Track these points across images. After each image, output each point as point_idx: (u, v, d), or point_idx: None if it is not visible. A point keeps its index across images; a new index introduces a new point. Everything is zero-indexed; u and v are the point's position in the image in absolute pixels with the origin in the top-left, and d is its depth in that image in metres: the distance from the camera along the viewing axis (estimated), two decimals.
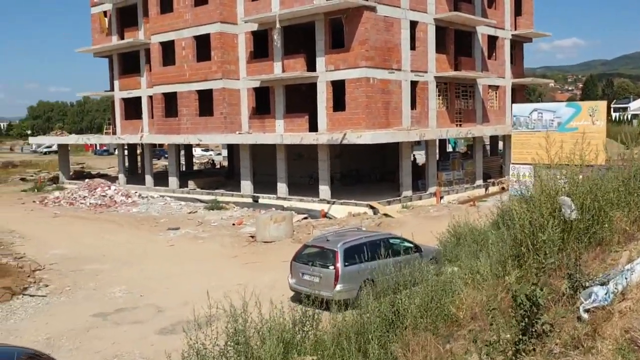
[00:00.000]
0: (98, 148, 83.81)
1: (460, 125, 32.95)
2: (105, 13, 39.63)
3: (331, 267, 13.05)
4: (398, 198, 28.43)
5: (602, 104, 19.79)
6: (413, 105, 30.19)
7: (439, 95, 31.99)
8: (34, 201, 35.35)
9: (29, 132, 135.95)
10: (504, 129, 34.51)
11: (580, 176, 9.16)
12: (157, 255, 20.17)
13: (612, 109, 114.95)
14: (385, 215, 25.98)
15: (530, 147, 18.55)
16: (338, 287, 12.88)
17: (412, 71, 29.65)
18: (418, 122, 30.23)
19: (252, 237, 22.27)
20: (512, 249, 7.91)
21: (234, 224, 25.72)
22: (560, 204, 7.34)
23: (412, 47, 29.82)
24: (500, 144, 39.64)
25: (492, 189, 33.52)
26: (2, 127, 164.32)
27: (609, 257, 6.68)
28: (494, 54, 35.90)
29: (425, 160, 31.71)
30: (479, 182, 33.91)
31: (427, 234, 18.34)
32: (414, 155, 35.68)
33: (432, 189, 30.52)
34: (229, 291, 13.43)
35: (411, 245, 15.02)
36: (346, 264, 13.09)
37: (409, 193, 29.02)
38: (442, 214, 25.76)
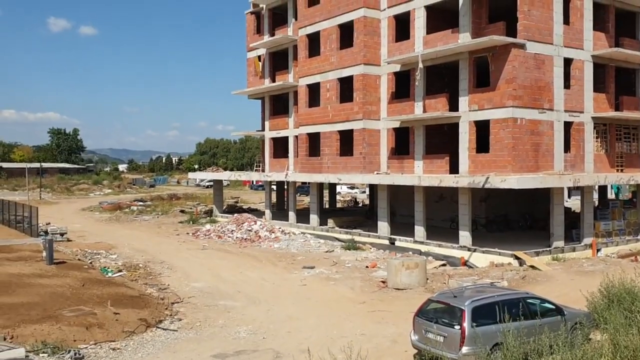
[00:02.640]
0: (254, 183, 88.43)
1: (621, 170, 29.50)
2: (259, 57, 41.98)
3: (457, 327, 11.84)
4: (548, 249, 25.98)
5: None
6: (567, 148, 27.69)
7: (596, 138, 29.02)
8: (187, 233, 37.70)
9: (196, 166, 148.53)
10: None
11: None
12: (288, 295, 20.12)
13: None
14: (532, 267, 23.81)
15: None
16: (464, 349, 11.62)
17: (565, 111, 27.28)
18: (572, 166, 27.62)
19: (384, 282, 21.45)
20: None
21: (367, 267, 25.11)
22: None
23: (566, 86, 27.50)
24: None
25: None
26: (174, 162, 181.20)
27: None
28: None
29: (581, 208, 28.73)
30: None
31: (577, 293, 16.31)
32: (566, 201, 32.65)
33: (587, 240, 27.52)
34: (350, 342, 12.82)
35: (552, 306, 13.30)
36: (474, 324, 11.80)
37: (560, 243, 26.42)
38: (597, 269, 23.08)
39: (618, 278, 14.90)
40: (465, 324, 11.73)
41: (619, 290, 14.66)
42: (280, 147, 41.38)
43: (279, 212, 43.93)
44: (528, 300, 13.05)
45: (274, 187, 47.24)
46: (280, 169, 39.87)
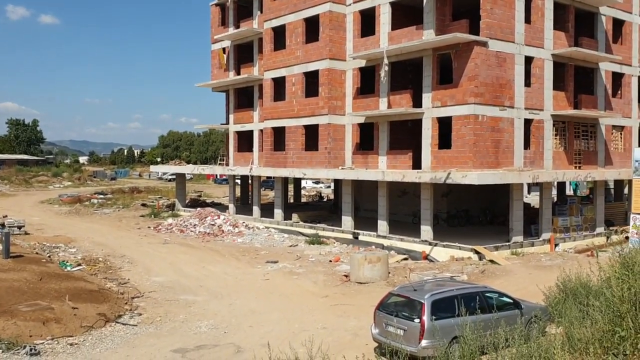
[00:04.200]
0: (218, 177, 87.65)
1: (579, 167, 30.33)
2: (224, 50, 41.58)
3: (417, 320, 12.05)
4: (507, 243, 26.57)
5: None
6: (526, 145, 28.28)
7: (556, 135, 29.73)
8: (149, 227, 37.25)
9: (158, 159, 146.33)
10: (629, 172, 31.28)
11: None
12: (250, 289, 20.10)
13: None
14: (491, 261, 24.35)
15: None
16: (423, 342, 11.83)
17: (526, 109, 27.86)
18: (532, 162, 28.24)
19: (346, 276, 21.63)
20: (610, 323, 6.69)
21: (331, 261, 25.27)
22: None
23: (527, 84, 28.08)
24: (626, 188, 36.03)
25: (614, 238, 30.36)
26: (136, 154, 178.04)
27: None
28: (619, 92, 32.90)
29: (540, 204, 29.45)
30: (600, 229, 30.91)
31: (535, 287, 16.73)
32: (526, 197, 33.40)
33: (546, 235, 28.25)
34: (311, 335, 12.88)
35: (510, 300, 13.63)
36: (434, 317, 12.03)
37: (519, 238, 27.06)
38: (555, 263, 23.74)
39: (574, 273, 15.32)
40: (425, 318, 11.93)
41: (575, 285, 15.08)
42: (245, 141, 41.16)
43: (243, 206, 43.72)
44: (486, 294, 13.36)
45: (238, 181, 46.99)
46: (244, 163, 39.65)
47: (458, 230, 31.06)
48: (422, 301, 12.19)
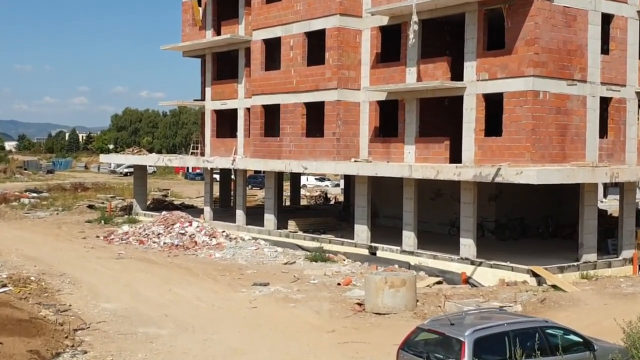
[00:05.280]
0: (190, 171, 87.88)
1: None
2: (199, 1, 41.55)
3: None
4: (575, 264, 26.62)
5: None
6: (603, 132, 28.31)
7: None
8: (97, 236, 37.40)
9: (111, 146, 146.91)
10: None
11: None
12: (232, 320, 20.13)
13: None
14: (554, 287, 24.40)
15: None
16: None
17: (602, 84, 27.87)
18: (610, 155, 28.27)
19: (360, 304, 21.69)
20: None
21: (339, 284, 25.35)
22: None
23: (604, 51, 28.08)
24: None
25: None
26: (81, 139, 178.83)
27: None
28: None
29: (619, 211, 29.42)
30: None
31: (612, 321, 16.75)
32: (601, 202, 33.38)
33: (627, 253, 28.24)
34: None
35: (579, 339, 13.64)
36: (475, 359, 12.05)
37: (592, 257, 27.04)
38: (638, 290, 23.74)
39: None
40: None
41: None
42: (226, 122, 41.27)
43: (223, 210, 43.83)
44: (547, 331, 13.38)
45: (217, 176, 47.11)
46: (225, 153, 39.74)
47: (510, 244, 31.06)
48: (462, 339, 12.20)
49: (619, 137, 28.71)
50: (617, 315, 16.79)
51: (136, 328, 19.04)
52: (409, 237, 29.26)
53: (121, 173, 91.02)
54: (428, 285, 25.37)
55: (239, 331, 18.96)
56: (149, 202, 48.01)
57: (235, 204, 40.08)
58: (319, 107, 32.69)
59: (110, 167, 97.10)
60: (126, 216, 44.37)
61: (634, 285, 24.87)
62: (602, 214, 35.02)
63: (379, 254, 30.04)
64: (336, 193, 62.60)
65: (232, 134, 40.34)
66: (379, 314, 20.63)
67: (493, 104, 27.34)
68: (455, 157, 28.71)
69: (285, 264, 29.88)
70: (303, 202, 53.68)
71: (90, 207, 49.70)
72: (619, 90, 28.52)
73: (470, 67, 27.76)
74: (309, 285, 25.17)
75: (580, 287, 24.43)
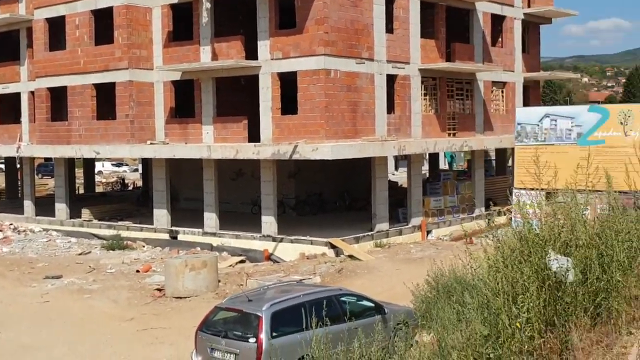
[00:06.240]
0: None
1: (454, 134, 32.61)
2: None
3: (252, 340, 12.22)
4: (370, 233, 27.95)
5: (639, 108, 19.49)
6: (390, 108, 29.73)
7: (425, 95, 31.63)
8: None
9: None
10: (511, 139, 34.28)
11: (591, 213, 8.63)
12: (22, 316, 19.33)
13: None
14: (351, 257, 25.46)
15: (541, 166, 18.13)
16: None
17: (388, 61, 29.22)
18: (397, 130, 29.77)
19: (160, 289, 21.53)
20: (484, 322, 7.34)
21: (138, 271, 24.98)
22: (549, 260, 6.79)
23: (389, 30, 29.44)
24: (510, 159, 39.51)
25: (497, 220, 33.13)
26: None
27: (620, 342, 6.04)
28: (499, 40, 35.81)
29: (408, 181, 31.23)
30: (480, 210, 33.54)
31: (403, 285, 17.74)
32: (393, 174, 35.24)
33: (416, 221, 30.08)
34: None
35: (371, 304, 14.35)
36: (274, 334, 12.28)
37: (384, 226, 28.55)
38: (426, 255, 25.35)
39: (448, 265, 16.43)
40: (263, 336, 12.12)
41: (448, 280, 16.22)
42: (8, 107, 39.13)
43: (11, 202, 42.20)
44: (342, 299, 13.92)
45: (2, 165, 44.30)
46: (9, 140, 37.49)
47: (310, 219, 31.94)
48: (259, 314, 12.36)
49: (405, 112, 30.29)
50: (408, 279, 17.82)
51: None
52: (211, 219, 29.27)
53: None
54: (231, 265, 25.55)
55: (29, 327, 18.25)
56: None
57: (23, 194, 38.00)
58: (110, 88, 31.56)
59: None
60: None
61: (422, 250, 26.55)
62: (393, 185, 37.08)
63: (181, 237, 29.89)
64: (135, 178, 61.01)
65: (17, 119, 38.23)
66: (180, 297, 20.62)
67: (289, 83, 27.78)
68: (254, 136, 28.91)
69: (80, 254, 29.11)
70: (99, 189, 52.38)
71: None
72: (404, 68, 30.05)
73: (264, 46, 27.99)
74: (106, 275, 24.72)
75: (374, 255, 25.69)
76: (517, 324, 6.63)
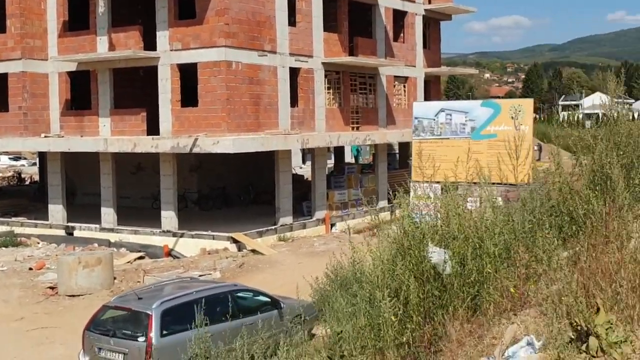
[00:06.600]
0: None
1: (357, 128, 32.94)
2: None
3: (141, 339, 11.96)
4: (273, 227, 28.00)
5: (528, 103, 20.16)
6: (294, 102, 29.77)
7: (329, 89, 31.83)
8: None
9: None
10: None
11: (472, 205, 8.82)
12: None
13: (560, 107, 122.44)
14: (253, 251, 25.38)
15: (436, 159, 18.49)
16: None
17: (291, 54, 29.22)
18: (301, 123, 29.85)
19: (53, 288, 20.83)
20: (366, 315, 7.40)
21: (31, 269, 24.02)
22: (428, 253, 6.89)
23: (292, 23, 29.45)
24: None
25: (399, 212, 33.72)
26: None
27: (491, 333, 6.18)
28: (401, 35, 36.39)
29: (312, 175, 31.35)
30: (383, 203, 34.00)
31: (304, 279, 17.76)
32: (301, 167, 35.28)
33: (320, 214, 30.27)
34: None
35: (267, 299, 14.29)
36: (164, 332, 12.06)
37: (288, 220, 28.66)
38: (329, 248, 25.40)
39: (349, 257, 16.53)
40: (152, 334, 11.88)
41: (346, 272, 16.33)
42: None
43: None
44: (237, 295, 13.81)
45: None
46: None
47: (213, 214, 31.73)
48: (149, 312, 12.10)
49: (308, 106, 30.40)
50: (310, 273, 17.80)
51: None
52: (108, 214, 28.68)
53: None
54: (129, 262, 25.02)
55: None
56: None
57: None
58: (2, 79, 30.47)
59: None
60: None
61: (326, 243, 26.70)
62: (298, 179, 37.21)
63: (77, 233, 29.25)
64: (33, 172, 58.82)
65: None
66: (74, 295, 20.03)
67: (189, 75, 27.39)
68: (154, 129, 28.38)
69: None
70: None
71: None
72: (307, 61, 30.13)
73: (163, 37, 27.49)
74: None
75: (277, 249, 25.70)
76: (392, 317, 6.69)
